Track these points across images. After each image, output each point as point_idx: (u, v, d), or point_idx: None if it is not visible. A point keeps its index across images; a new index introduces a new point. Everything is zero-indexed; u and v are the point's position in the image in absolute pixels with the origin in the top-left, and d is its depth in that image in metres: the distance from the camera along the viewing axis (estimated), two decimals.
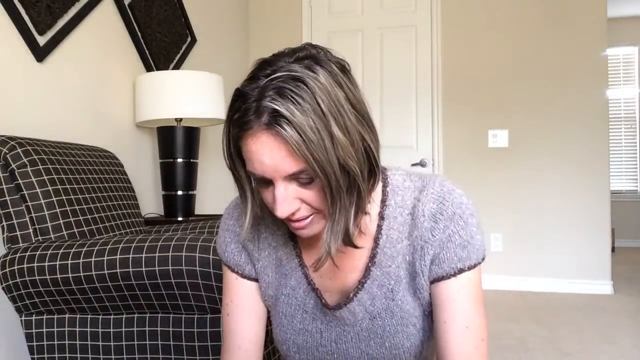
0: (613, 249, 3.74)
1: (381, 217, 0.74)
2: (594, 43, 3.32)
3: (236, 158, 0.67)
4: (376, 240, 0.74)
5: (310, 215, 0.67)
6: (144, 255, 1.20)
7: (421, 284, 0.73)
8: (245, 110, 0.62)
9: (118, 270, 1.21)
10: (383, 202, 0.75)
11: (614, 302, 3.10)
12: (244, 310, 0.82)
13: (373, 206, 0.75)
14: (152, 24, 2.53)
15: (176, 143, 2.31)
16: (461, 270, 0.70)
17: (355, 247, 0.69)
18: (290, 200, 0.64)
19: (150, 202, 2.53)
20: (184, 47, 2.85)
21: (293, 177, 0.63)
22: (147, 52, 2.49)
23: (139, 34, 2.44)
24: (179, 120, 2.35)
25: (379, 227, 0.74)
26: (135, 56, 2.43)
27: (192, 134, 2.35)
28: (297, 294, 0.78)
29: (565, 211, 3.38)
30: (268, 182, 0.65)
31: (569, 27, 3.35)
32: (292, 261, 0.79)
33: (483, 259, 0.73)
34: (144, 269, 1.19)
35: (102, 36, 2.20)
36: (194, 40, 2.95)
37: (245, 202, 0.72)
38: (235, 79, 4.17)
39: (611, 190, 3.49)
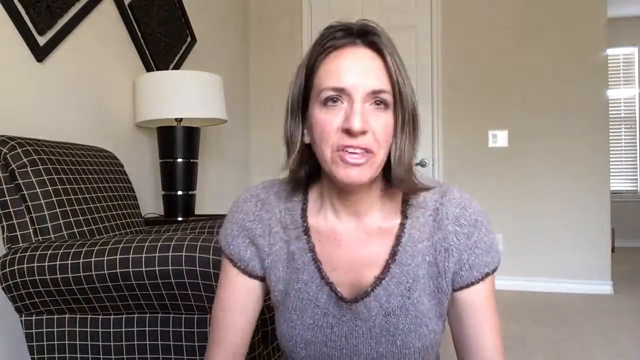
0: (613, 249, 3.74)
1: (404, 215, 0.76)
2: (594, 43, 3.32)
3: (302, 103, 0.73)
4: (398, 237, 0.75)
5: (366, 157, 0.68)
6: (144, 255, 1.20)
7: (443, 285, 0.75)
8: (347, 29, 0.70)
9: (118, 270, 1.21)
10: (405, 201, 0.77)
11: (614, 302, 3.10)
12: (242, 307, 0.82)
13: (394, 204, 0.77)
14: (152, 24, 2.53)
15: (176, 143, 2.31)
16: (487, 274, 0.76)
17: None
18: (364, 117, 0.67)
19: (150, 202, 2.53)
20: (184, 47, 2.84)
21: (372, 96, 0.68)
22: (147, 52, 2.49)
23: (139, 34, 2.44)
24: (179, 120, 2.35)
25: (402, 225, 0.75)
26: (135, 56, 2.43)
27: (192, 134, 2.35)
28: (309, 288, 0.78)
29: (565, 211, 3.38)
30: (336, 103, 0.68)
31: (569, 27, 3.35)
32: (304, 255, 0.78)
33: (499, 260, 0.78)
34: (144, 269, 1.19)
35: (102, 36, 2.20)
36: (194, 40, 2.95)
37: (294, 159, 0.74)
38: (235, 79, 4.17)
39: (611, 190, 3.49)
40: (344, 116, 0.68)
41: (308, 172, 0.78)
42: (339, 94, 0.68)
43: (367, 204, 0.76)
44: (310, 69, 0.72)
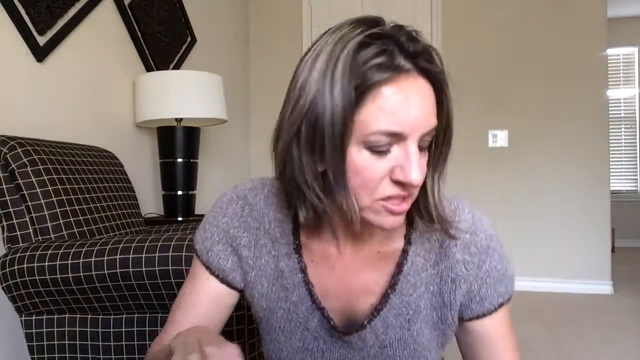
0: (613, 249, 3.74)
1: (408, 241, 0.67)
2: (594, 43, 3.32)
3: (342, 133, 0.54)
4: (399, 265, 0.67)
5: (408, 201, 0.59)
6: (144, 255, 1.20)
7: (448, 317, 0.68)
8: (398, 49, 0.53)
9: (118, 270, 1.21)
10: (410, 224, 0.68)
11: (614, 302, 3.10)
12: (204, 312, 0.72)
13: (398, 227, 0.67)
14: (152, 24, 2.53)
15: (176, 143, 2.31)
16: (500, 305, 0.68)
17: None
18: (422, 166, 0.57)
19: (150, 202, 2.53)
20: (184, 47, 2.84)
21: (422, 138, 0.56)
22: (147, 52, 2.49)
23: (139, 34, 2.44)
24: (179, 120, 2.35)
25: (405, 251, 0.67)
26: (135, 56, 2.43)
27: (192, 134, 2.35)
28: (298, 310, 0.69)
29: (565, 211, 3.38)
30: (384, 149, 0.55)
31: (569, 27, 3.35)
32: (295, 276, 0.69)
33: (513, 288, 0.71)
34: (144, 269, 1.19)
35: (102, 36, 2.20)
36: (194, 40, 2.95)
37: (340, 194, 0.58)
38: (235, 79, 4.18)
39: (611, 190, 3.49)
40: (396, 163, 0.56)
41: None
42: (392, 139, 0.55)
43: (372, 231, 0.67)
44: (359, 90, 0.53)
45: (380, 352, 0.67)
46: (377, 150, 0.55)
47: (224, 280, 0.72)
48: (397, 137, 0.55)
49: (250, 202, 0.71)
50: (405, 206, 0.59)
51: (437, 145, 0.60)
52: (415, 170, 0.55)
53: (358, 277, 0.68)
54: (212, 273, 0.72)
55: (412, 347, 0.67)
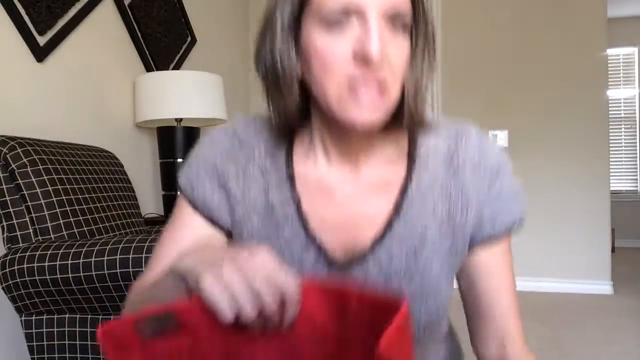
0: (613, 249, 3.74)
1: (411, 165, 0.63)
2: (594, 43, 3.32)
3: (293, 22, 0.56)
4: (403, 191, 0.62)
5: (382, 95, 0.55)
6: (143, 255, 1.20)
7: (459, 246, 0.63)
8: None
9: (118, 270, 1.21)
10: (411, 140, 0.64)
11: (614, 302, 3.10)
12: (182, 249, 0.65)
13: (398, 150, 0.64)
14: (152, 24, 2.53)
15: (176, 143, 2.31)
16: (512, 227, 0.65)
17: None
18: (383, 40, 0.53)
19: (150, 202, 2.53)
20: (184, 47, 2.84)
21: (389, 19, 0.54)
22: (147, 52, 2.49)
23: (139, 34, 2.44)
24: (179, 120, 2.35)
25: (408, 174, 0.62)
26: (135, 56, 2.43)
27: (192, 134, 2.35)
28: (292, 247, 0.63)
29: (565, 211, 3.38)
30: (343, 24, 0.53)
31: (569, 28, 3.35)
32: (287, 208, 0.63)
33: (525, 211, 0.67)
34: (144, 269, 1.19)
35: (102, 36, 2.20)
36: (194, 40, 2.95)
37: (286, 91, 0.58)
38: (235, 79, 4.19)
39: (611, 190, 3.49)
40: (356, 40, 0.53)
41: (301, 109, 0.62)
42: (348, 12, 0.53)
43: (368, 150, 0.63)
44: None
45: (385, 285, 0.62)
46: (335, 27, 0.53)
47: (209, 219, 0.67)
48: (356, 11, 0.53)
49: (239, 136, 0.68)
50: (377, 98, 0.54)
51: (417, 36, 0.57)
52: (375, 42, 0.51)
53: (359, 205, 0.63)
54: (198, 210, 0.67)
55: (418, 282, 0.61)
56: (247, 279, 0.44)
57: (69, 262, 1.25)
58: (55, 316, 1.32)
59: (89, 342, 1.30)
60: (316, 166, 0.64)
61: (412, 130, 0.63)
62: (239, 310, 0.43)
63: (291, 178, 0.64)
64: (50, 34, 1.87)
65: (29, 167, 1.38)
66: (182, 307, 0.45)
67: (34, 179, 1.38)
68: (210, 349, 0.46)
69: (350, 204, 0.63)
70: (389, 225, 0.61)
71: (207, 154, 0.67)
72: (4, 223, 1.38)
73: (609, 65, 4.85)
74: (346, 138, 0.62)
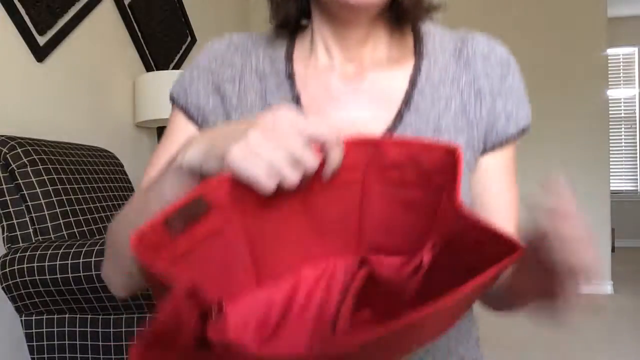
0: (613, 249, 3.74)
1: (419, 56, 0.60)
2: (594, 43, 3.32)
3: None
4: (413, 81, 0.59)
5: None
6: None
7: (473, 140, 0.59)
8: None
9: None
10: (417, 39, 0.61)
11: (614, 302, 3.10)
12: None
13: (404, 46, 0.61)
14: (152, 24, 2.53)
15: None
16: (523, 131, 0.62)
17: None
18: None
19: None
20: (184, 47, 2.85)
21: None
22: (147, 52, 2.49)
23: (139, 34, 2.44)
24: None
25: (417, 66, 0.59)
26: (135, 56, 2.43)
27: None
28: None
29: None
30: None
31: (569, 27, 3.35)
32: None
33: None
34: None
35: (102, 36, 2.20)
36: (194, 40, 2.95)
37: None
38: None
39: (611, 190, 3.49)
40: None
41: (301, 7, 0.60)
42: None
43: (371, 45, 0.60)
44: None
45: None
46: None
47: (203, 125, 0.63)
48: None
49: (235, 42, 0.64)
50: None
51: None
52: None
53: (364, 103, 0.59)
54: (192, 119, 0.64)
55: None
56: (280, 141, 0.38)
57: (69, 262, 1.25)
58: (55, 316, 1.32)
59: (89, 342, 1.30)
60: (317, 67, 0.61)
61: (416, 30, 0.62)
62: (279, 177, 0.38)
63: (291, 78, 0.60)
64: (50, 34, 1.87)
65: (29, 167, 1.38)
66: (210, 187, 0.40)
67: (34, 179, 1.38)
68: (239, 230, 0.42)
69: (354, 102, 0.59)
70: (399, 116, 0.58)
71: (201, 60, 0.64)
72: (4, 223, 1.38)
73: (609, 65, 4.85)
74: (347, 33, 0.59)
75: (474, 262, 0.38)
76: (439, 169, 0.42)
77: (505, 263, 0.33)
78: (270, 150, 0.38)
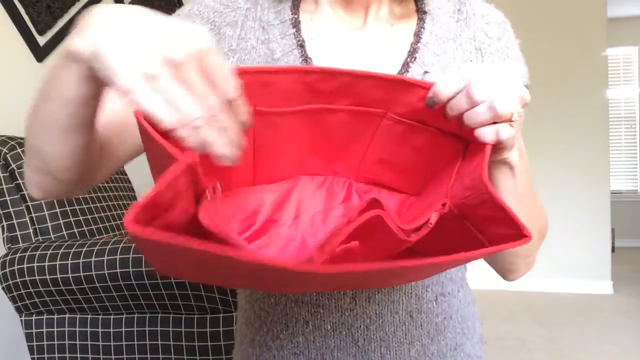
0: (613, 249, 3.74)
1: (421, 12, 0.62)
2: (594, 43, 3.32)
3: None
4: (418, 34, 0.60)
5: None
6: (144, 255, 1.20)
7: None
8: None
9: (118, 270, 1.21)
10: (418, 5, 0.63)
11: (614, 302, 3.10)
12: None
13: (405, 6, 0.63)
14: None
15: None
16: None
17: None
18: None
19: None
20: None
21: None
22: None
23: None
24: None
25: (421, 20, 0.61)
26: None
27: None
28: None
29: (565, 211, 3.38)
30: None
31: (568, 27, 3.35)
32: (290, 54, 0.59)
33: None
34: (144, 269, 1.19)
35: None
36: None
37: None
38: None
39: (611, 190, 3.49)
40: None
41: None
42: None
43: (375, 6, 0.62)
44: None
45: None
46: None
47: None
48: None
49: None
50: None
51: None
52: None
53: (371, 51, 0.60)
54: None
55: None
56: (182, 74, 0.33)
57: (69, 262, 1.25)
58: (55, 316, 1.32)
59: (89, 342, 1.30)
60: (322, 20, 0.61)
61: None
62: (181, 117, 0.33)
63: (296, 26, 0.60)
64: (50, 34, 1.87)
65: None
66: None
67: None
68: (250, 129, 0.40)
69: (362, 51, 0.60)
70: (404, 66, 0.59)
71: (203, 1, 0.62)
72: (4, 223, 1.38)
73: (609, 65, 4.86)
74: None
75: (469, 233, 0.39)
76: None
77: (508, 246, 0.33)
78: (171, 87, 0.33)
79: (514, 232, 0.36)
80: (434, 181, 0.47)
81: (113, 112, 0.53)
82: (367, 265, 0.27)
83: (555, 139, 3.38)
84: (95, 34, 0.35)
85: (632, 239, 5.57)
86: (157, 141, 0.33)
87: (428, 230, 0.42)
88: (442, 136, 0.45)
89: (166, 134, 0.34)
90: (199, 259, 0.27)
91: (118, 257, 1.22)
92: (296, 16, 0.60)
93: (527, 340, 2.39)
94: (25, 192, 1.37)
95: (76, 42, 0.36)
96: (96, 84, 0.39)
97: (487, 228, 0.39)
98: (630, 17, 5.48)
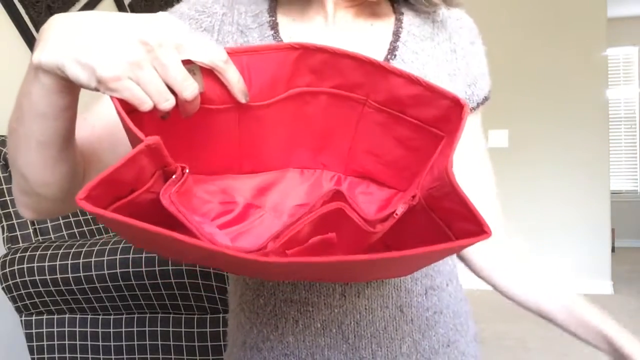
0: (613, 249, 3.75)
1: (398, 12, 0.64)
2: (594, 43, 3.32)
3: None
4: (396, 33, 0.62)
5: None
6: (144, 255, 1.20)
7: (459, 91, 0.63)
8: None
9: (118, 270, 1.21)
10: (395, 7, 0.65)
11: (614, 302, 3.10)
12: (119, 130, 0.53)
13: (383, 7, 0.64)
14: None
15: None
16: (485, 100, 0.66)
17: None
18: None
19: None
20: None
21: None
22: None
23: None
24: None
25: (399, 20, 0.63)
26: None
27: None
28: None
29: (565, 211, 3.38)
30: None
31: (569, 27, 3.35)
32: None
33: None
34: (144, 269, 1.19)
35: None
36: None
37: None
38: None
39: (611, 190, 3.49)
40: None
41: None
42: None
43: (352, 7, 0.63)
44: None
45: None
46: None
47: None
48: None
49: None
50: None
51: None
52: None
53: (352, 50, 0.62)
54: None
55: None
56: (160, 61, 0.36)
57: (69, 262, 1.25)
58: (55, 316, 1.32)
59: (89, 342, 1.30)
60: (302, 19, 0.62)
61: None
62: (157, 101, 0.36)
63: (274, 28, 0.60)
64: None
65: None
66: None
67: None
68: (234, 119, 0.44)
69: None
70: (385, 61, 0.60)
71: (181, 7, 0.63)
72: (4, 223, 1.38)
73: (609, 65, 4.86)
74: None
75: (439, 227, 0.39)
76: (442, 117, 0.43)
77: (468, 242, 0.33)
78: (148, 75, 0.36)
79: (475, 227, 0.35)
80: (418, 178, 0.47)
81: (100, 120, 0.55)
82: (309, 259, 0.28)
83: (555, 139, 3.38)
84: (57, 43, 0.37)
85: (632, 239, 5.57)
86: (125, 123, 0.34)
87: (394, 222, 0.42)
88: (422, 129, 0.46)
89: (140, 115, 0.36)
90: (151, 237, 0.28)
91: (118, 257, 1.22)
92: (274, 18, 0.61)
93: (527, 340, 2.39)
94: None
95: (40, 55, 0.37)
96: (66, 94, 0.40)
97: (454, 223, 0.39)
98: (630, 17, 5.48)
